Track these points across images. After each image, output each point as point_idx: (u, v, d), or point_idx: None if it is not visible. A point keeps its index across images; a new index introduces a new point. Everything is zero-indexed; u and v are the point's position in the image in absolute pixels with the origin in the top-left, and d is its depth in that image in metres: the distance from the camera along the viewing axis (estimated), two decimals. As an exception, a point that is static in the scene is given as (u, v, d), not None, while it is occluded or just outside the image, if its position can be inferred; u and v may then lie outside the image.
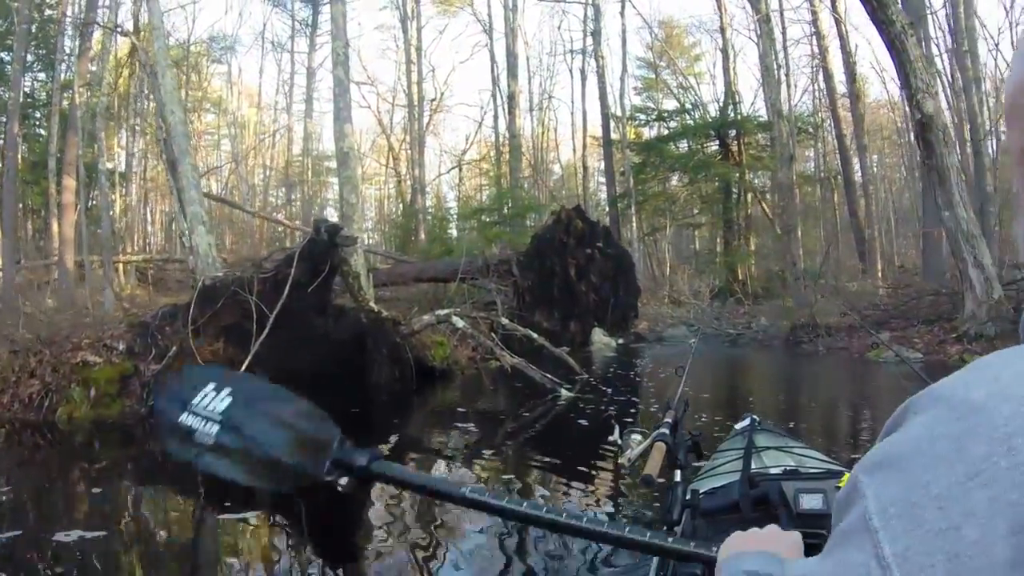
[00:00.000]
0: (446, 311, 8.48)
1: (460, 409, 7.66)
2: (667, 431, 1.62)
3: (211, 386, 1.39)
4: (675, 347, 14.23)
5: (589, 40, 30.52)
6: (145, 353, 9.15)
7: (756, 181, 27.53)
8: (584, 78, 33.39)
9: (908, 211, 29.55)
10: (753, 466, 1.85)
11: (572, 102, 49.82)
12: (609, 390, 8.03)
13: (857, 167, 23.50)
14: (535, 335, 8.75)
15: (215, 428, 1.34)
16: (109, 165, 27.29)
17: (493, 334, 8.50)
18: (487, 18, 33.71)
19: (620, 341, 14.61)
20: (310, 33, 37.12)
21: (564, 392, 7.20)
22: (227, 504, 3.79)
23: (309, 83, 37.59)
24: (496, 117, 32.75)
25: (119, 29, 17.01)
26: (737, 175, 25.18)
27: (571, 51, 35.29)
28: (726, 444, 2.40)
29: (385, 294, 14.93)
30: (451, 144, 46.93)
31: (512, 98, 28.62)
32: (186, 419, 1.37)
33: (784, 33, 23.85)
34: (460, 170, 38.62)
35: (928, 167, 9.69)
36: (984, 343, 9.08)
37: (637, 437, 1.63)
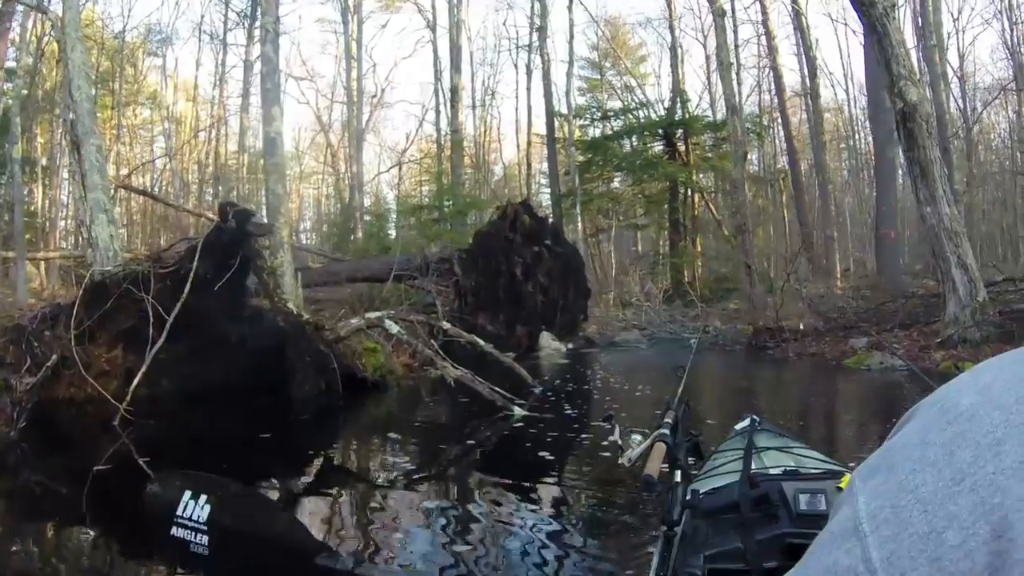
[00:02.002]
0: (377, 314, 7.27)
1: (395, 428, 6.56)
2: (667, 431, 1.63)
3: (187, 495, 1.47)
4: (630, 353, 13.30)
5: (535, 36, 29.69)
6: (19, 363, 7.75)
7: (703, 182, 27.20)
8: (530, 73, 32.55)
9: (850, 214, 29.65)
10: (753, 466, 1.83)
11: (516, 98, 49.12)
12: (568, 407, 6.98)
13: (808, 167, 23.07)
14: (481, 341, 7.61)
15: (205, 539, 1.46)
16: (44, 159, 25.31)
17: (433, 340, 7.31)
18: (431, 13, 32.71)
19: (570, 346, 13.62)
20: (248, 25, 35.24)
21: (517, 410, 6.06)
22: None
23: (246, 76, 35.68)
24: (438, 113, 32.05)
25: (35, 3, 15.17)
26: (684, 175, 24.70)
27: (517, 47, 34.36)
28: (726, 444, 2.33)
29: (319, 294, 13.93)
30: (392, 142, 45.62)
31: (455, 92, 27.64)
32: (176, 532, 1.48)
33: (736, 32, 23.31)
34: (400, 169, 38.02)
35: (909, 159, 8.95)
36: (970, 348, 8.37)
37: (637, 437, 1.63)
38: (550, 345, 13.18)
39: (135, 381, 7.16)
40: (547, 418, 6.15)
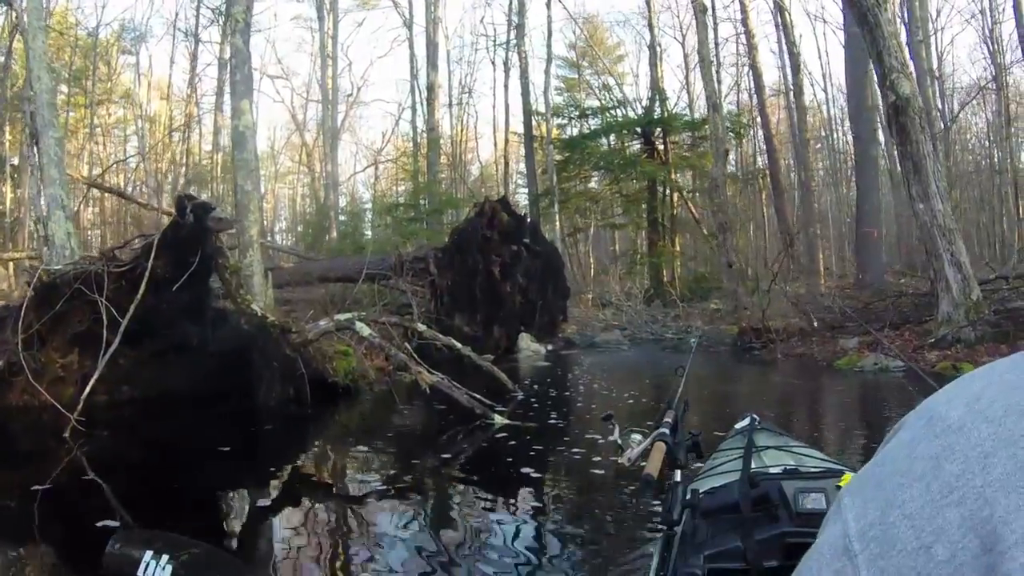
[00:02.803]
0: (347, 316, 6.81)
1: (366, 438, 6.16)
2: (667, 431, 1.62)
3: (148, 555, 1.43)
4: (612, 354, 12.91)
5: (513, 33, 29.36)
6: (-35, 370, 7.26)
7: (681, 181, 27.00)
8: (507, 71, 32.15)
9: (829, 213, 29.58)
10: (753, 465, 1.79)
11: (494, 96, 48.87)
12: (553, 414, 6.55)
13: (786, 166, 22.88)
14: (458, 344, 7.17)
15: None
16: (16, 158, 24.46)
17: (407, 344, 6.86)
18: (407, 10, 32.34)
19: (549, 348, 13.22)
20: (223, 22, 34.43)
21: (497, 418, 5.64)
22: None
23: (220, 75, 34.85)
24: (414, 112, 31.64)
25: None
26: (663, 174, 24.45)
27: (495, 44, 33.93)
28: (726, 444, 2.32)
29: (293, 295, 13.47)
30: (369, 141, 45.05)
31: (431, 89, 27.31)
32: None
33: (716, 30, 23.06)
34: (376, 168, 37.70)
35: (902, 155, 8.68)
36: (964, 349, 8.11)
37: (637, 437, 1.62)
38: (529, 347, 12.78)
39: (87, 388, 6.67)
40: (531, 427, 5.73)
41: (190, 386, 7.81)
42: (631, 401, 7.26)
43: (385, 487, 4.22)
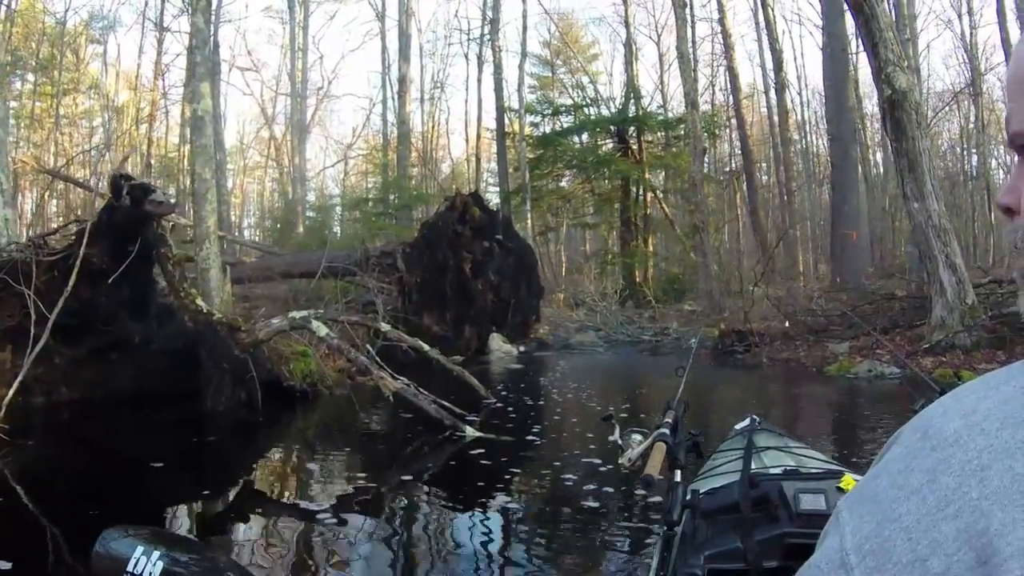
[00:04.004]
0: (303, 313, 6.16)
1: (321, 451, 5.53)
2: (667, 431, 1.61)
3: (139, 550, 1.39)
4: (588, 356, 12.38)
5: (487, 28, 28.83)
6: None
7: (655, 180, 26.67)
8: (481, 66, 31.55)
9: (800, 216, 29.42)
10: (753, 466, 1.81)
11: (467, 91, 48.41)
12: (532, 425, 6.00)
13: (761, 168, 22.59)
14: (425, 346, 6.57)
15: None
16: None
17: (369, 347, 6.24)
18: (380, 3, 31.69)
19: (522, 349, 12.67)
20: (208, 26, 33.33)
21: (469, 430, 5.05)
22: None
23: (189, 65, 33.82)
24: (385, 105, 31.16)
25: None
26: (637, 173, 24.08)
27: (468, 39, 33.30)
28: (726, 444, 2.31)
29: (257, 290, 12.85)
30: (339, 136, 44.23)
31: (403, 82, 26.70)
32: None
33: (693, 29, 22.63)
34: (346, 164, 37.04)
35: (896, 151, 8.26)
36: (960, 355, 7.74)
37: (637, 437, 1.61)
38: (501, 348, 12.22)
39: (11, 391, 5.96)
40: (507, 440, 5.16)
41: (135, 388, 7.17)
42: (614, 408, 6.70)
43: (337, 515, 3.60)
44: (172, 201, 5.87)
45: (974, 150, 22.07)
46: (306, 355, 7.45)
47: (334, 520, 3.45)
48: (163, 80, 32.30)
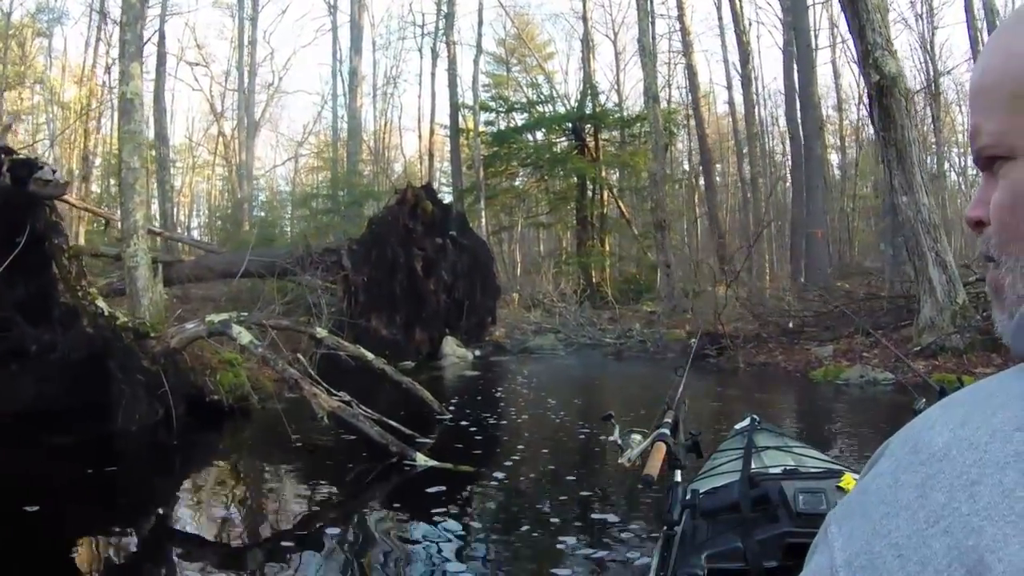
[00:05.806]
0: (222, 317, 5.23)
1: (243, 481, 4.63)
2: (667, 431, 1.62)
3: None
4: (549, 361, 11.60)
5: (442, 22, 28.07)
6: None
7: (612, 179, 26.17)
8: (435, 60, 30.73)
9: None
10: (753, 466, 1.79)
11: (420, 86, 47.69)
12: (494, 445, 5.16)
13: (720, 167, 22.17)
14: (370, 355, 5.69)
15: None
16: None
17: (301, 356, 5.33)
18: (333, -1, 30.62)
19: (477, 354, 11.84)
20: (141, 3, 31.73)
21: (420, 458, 4.19)
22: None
23: (139, 60, 32.13)
24: (335, 100, 30.79)
25: None
26: (593, 172, 23.53)
27: (423, 33, 32.43)
28: (726, 444, 2.30)
29: (198, 291, 12.18)
30: (291, 133, 42.90)
31: (354, 74, 25.91)
32: None
33: (653, 24, 22.03)
34: (296, 162, 36.13)
35: (884, 141, 7.70)
36: (952, 357, 7.21)
37: (637, 437, 1.60)
38: (455, 352, 11.39)
39: None
40: (467, 470, 4.31)
41: (31, 405, 6.16)
42: (592, 424, 5.87)
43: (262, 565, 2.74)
44: (63, 181, 4.89)
45: (932, 150, 22.02)
46: (234, 364, 6.51)
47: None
48: (109, 74, 30.82)
